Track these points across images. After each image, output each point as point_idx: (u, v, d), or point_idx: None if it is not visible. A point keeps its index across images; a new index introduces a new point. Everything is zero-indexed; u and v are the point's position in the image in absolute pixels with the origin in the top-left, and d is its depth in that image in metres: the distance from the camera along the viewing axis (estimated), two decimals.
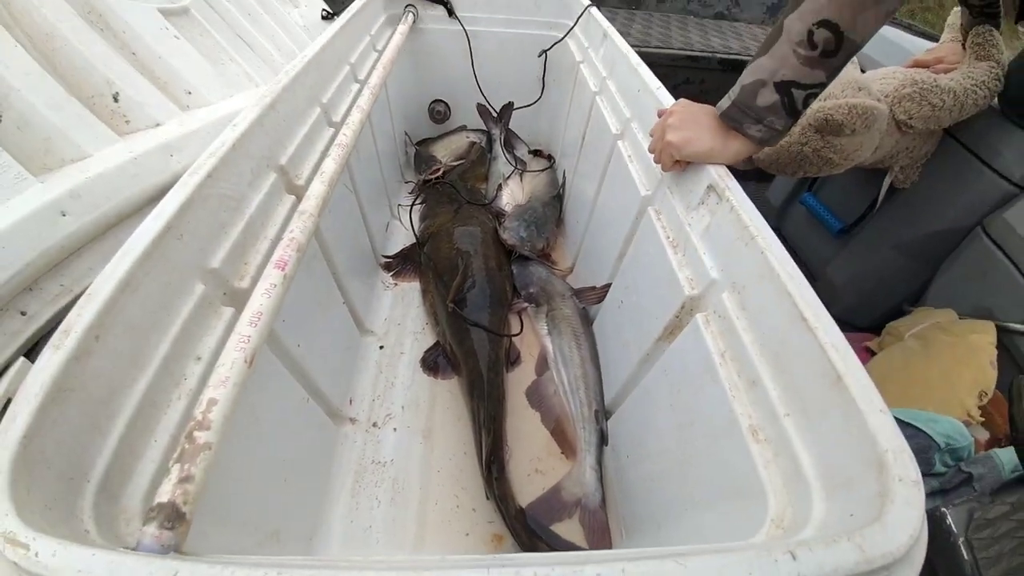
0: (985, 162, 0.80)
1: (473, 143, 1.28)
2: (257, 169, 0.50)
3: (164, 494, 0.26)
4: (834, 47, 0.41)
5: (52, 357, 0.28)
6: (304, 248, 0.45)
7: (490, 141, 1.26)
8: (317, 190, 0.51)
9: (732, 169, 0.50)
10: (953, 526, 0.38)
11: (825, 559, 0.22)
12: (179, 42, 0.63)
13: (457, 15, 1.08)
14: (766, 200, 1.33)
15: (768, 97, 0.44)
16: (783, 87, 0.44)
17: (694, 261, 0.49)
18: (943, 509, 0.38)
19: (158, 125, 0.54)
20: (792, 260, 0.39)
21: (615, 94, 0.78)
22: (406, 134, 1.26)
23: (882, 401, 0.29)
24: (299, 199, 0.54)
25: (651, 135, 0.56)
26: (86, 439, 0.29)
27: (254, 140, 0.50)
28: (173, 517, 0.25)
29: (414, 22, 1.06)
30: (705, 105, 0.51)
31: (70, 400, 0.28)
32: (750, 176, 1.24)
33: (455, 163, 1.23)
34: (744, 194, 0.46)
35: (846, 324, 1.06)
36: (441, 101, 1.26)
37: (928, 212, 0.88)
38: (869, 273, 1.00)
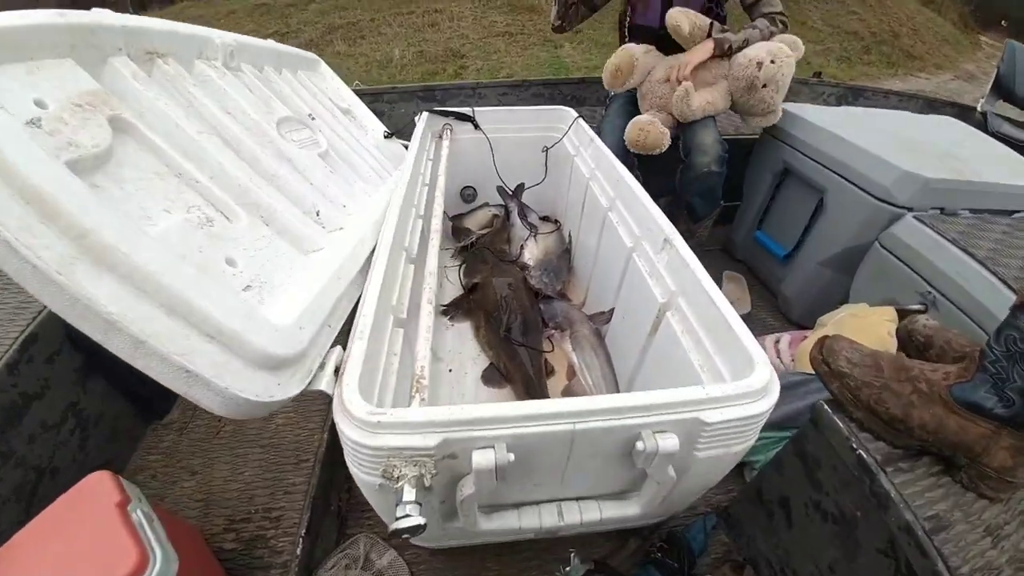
0: (874, 195, 1.14)
1: (495, 215, 1.65)
2: (398, 251, 0.84)
3: (415, 392, 0.56)
4: None
5: (358, 343, 0.59)
6: (432, 299, 0.76)
7: (508, 213, 1.63)
8: (431, 262, 0.84)
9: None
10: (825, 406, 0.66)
11: (723, 389, 0.52)
12: (331, 174, 0.99)
13: (481, 127, 1.48)
14: (731, 239, 1.68)
15: None
16: None
17: (662, 283, 0.82)
18: (820, 401, 0.67)
19: (341, 229, 0.87)
20: (708, 275, 0.71)
21: (603, 181, 1.15)
22: (444, 212, 1.63)
23: (751, 336, 0.60)
24: (416, 267, 0.87)
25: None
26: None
27: (395, 234, 0.83)
28: (420, 400, 0.55)
29: (451, 134, 1.46)
30: None
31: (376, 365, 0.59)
32: (718, 223, 1.59)
33: (483, 231, 1.59)
34: (683, 241, 0.79)
35: (799, 325, 1.37)
36: (470, 186, 1.65)
37: (841, 236, 1.22)
38: (809, 285, 1.33)
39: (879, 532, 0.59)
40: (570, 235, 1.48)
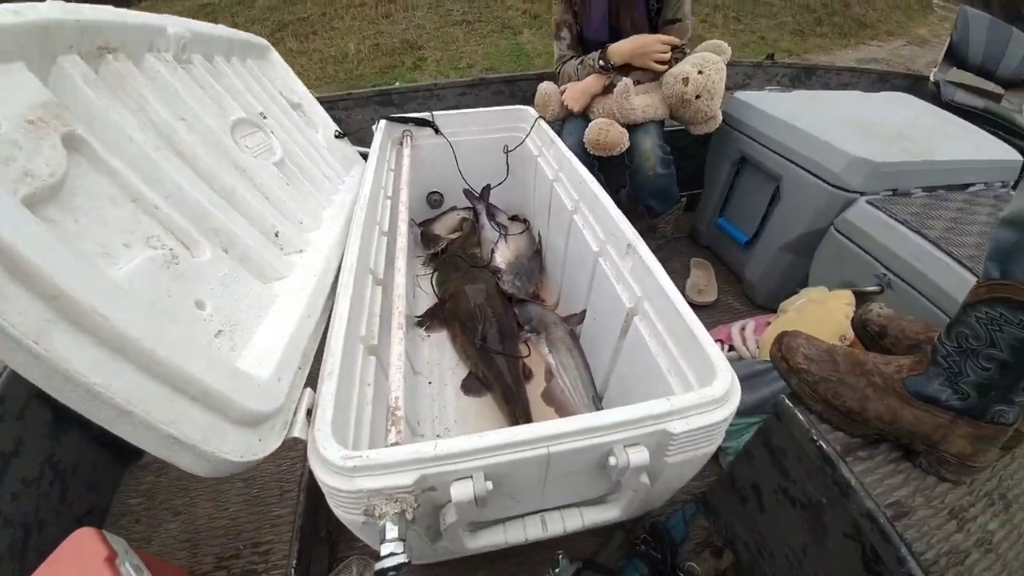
0: (826, 182, 1.19)
1: (464, 219, 1.64)
2: (363, 274, 0.83)
3: (391, 425, 0.57)
4: None
5: (328, 384, 0.58)
6: (403, 323, 0.76)
7: (476, 215, 1.62)
8: (399, 281, 0.83)
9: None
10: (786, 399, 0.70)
11: (685, 400, 0.55)
12: (287, 186, 0.93)
13: (441, 132, 1.46)
14: (695, 227, 1.72)
15: None
16: None
17: (628, 288, 0.84)
18: (781, 395, 0.70)
19: (300, 252, 0.83)
20: (669, 279, 0.73)
21: (567, 183, 1.15)
22: (411, 219, 1.61)
23: (713, 343, 0.62)
24: (384, 288, 0.86)
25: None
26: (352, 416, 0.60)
27: (359, 257, 0.82)
28: (396, 433, 0.56)
29: (412, 140, 1.43)
30: None
31: (348, 401, 0.59)
32: (685, 209, 1.62)
33: (453, 235, 1.58)
34: (646, 247, 0.81)
35: (764, 308, 1.42)
36: (436, 192, 1.63)
37: (798, 222, 1.26)
38: (771, 269, 1.38)
39: (844, 518, 0.63)
40: (539, 234, 1.48)
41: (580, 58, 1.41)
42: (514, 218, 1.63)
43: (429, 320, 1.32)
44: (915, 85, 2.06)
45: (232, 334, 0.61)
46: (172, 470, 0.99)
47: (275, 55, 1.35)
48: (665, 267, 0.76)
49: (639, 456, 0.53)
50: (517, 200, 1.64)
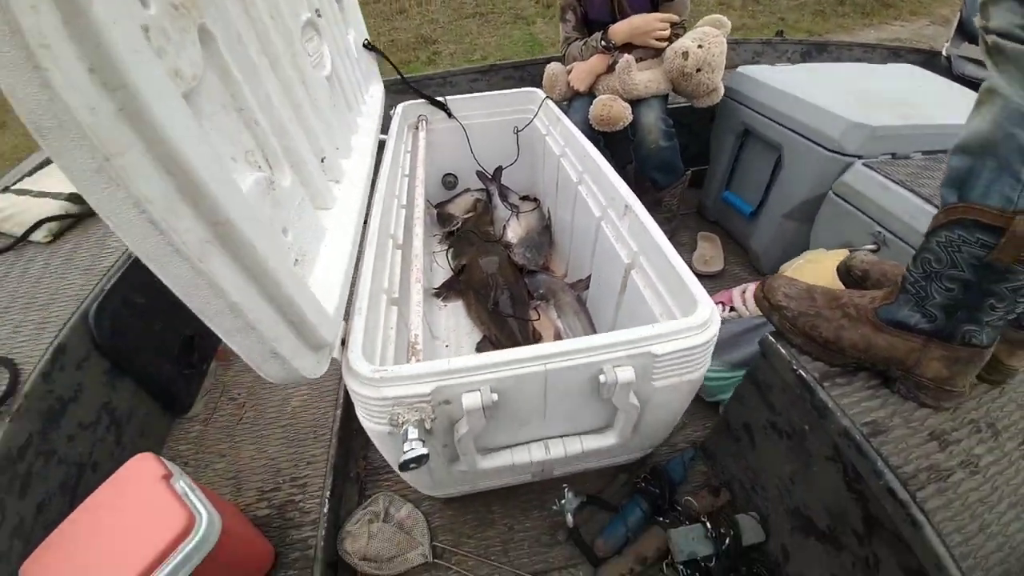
0: (825, 147, 1.22)
1: (478, 199, 1.72)
2: (385, 239, 0.92)
3: (411, 356, 0.66)
4: None
5: (358, 318, 0.68)
6: (420, 278, 0.85)
7: (489, 196, 1.70)
8: (416, 245, 0.92)
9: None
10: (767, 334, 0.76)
11: (667, 325, 0.62)
12: (333, 106, 0.86)
13: (454, 115, 1.54)
14: (703, 202, 1.76)
15: None
16: None
17: (626, 245, 0.91)
18: (766, 333, 0.76)
19: (338, 182, 0.82)
20: (662, 232, 0.80)
21: (572, 157, 1.22)
22: (427, 200, 1.70)
23: (696, 281, 0.69)
24: (403, 252, 0.96)
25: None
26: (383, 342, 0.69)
27: (380, 224, 0.91)
28: (417, 359, 0.65)
29: (427, 125, 1.52)
30: None
31: (374, 336, 0.68)
32: (691, 186, 1.67)
33: (467, 215, 1.67)
34: (642, 206, 0.87)
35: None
36: (450, 174, 1.72)
37: (799, 188, 1.29)
38: (775, 238, 1.41)
39: (825, 441, 0.69)
40: (549, 211, 1.56)
41: (584, 39, 1.47)
42: (525, 198, 1.71)
43: (446, 291, 1.41)
44: (928, 60, 2.03)
45: (303, 263, 0.63)
46: (217, 420, 1.11)
47: None
48: (673, 241, 0.80)
49: (626, 374, 0.61)
50: (528, 180, 1.71)
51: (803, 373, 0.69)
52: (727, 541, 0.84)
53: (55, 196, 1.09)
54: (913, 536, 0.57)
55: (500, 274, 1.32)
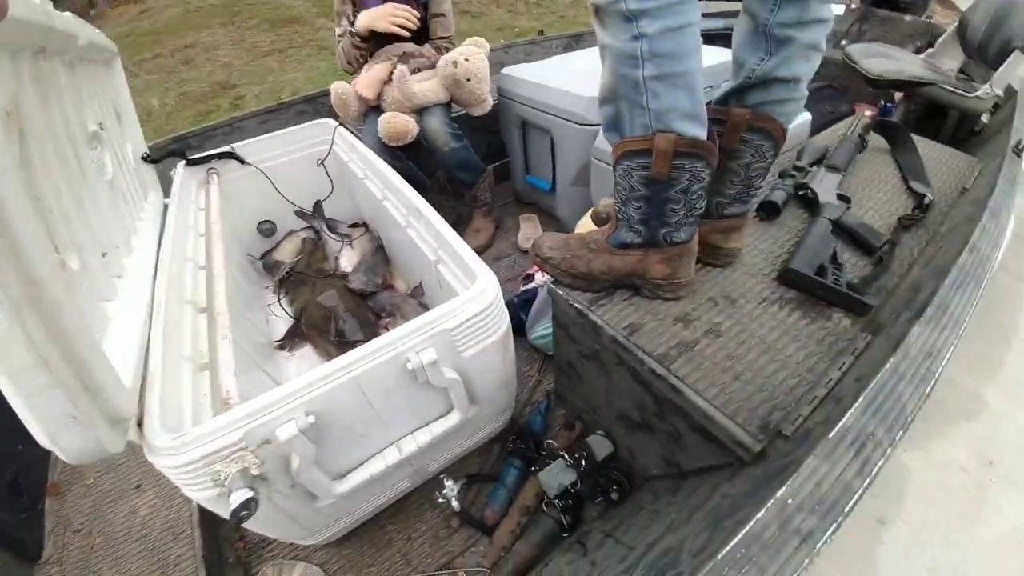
0: (576, 122, 1.46)
1: (304, 239, 1.68)
2: (179, 305, 0.87)
3: (223, 411, 0.65)
4: None
5: (150, 395, 0.65)
6: (228, 335, 0.83)
7: (317, 232, 1.67)
8: (221, 307, 0.89)
9: None
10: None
11: (451, 303, 0.71)
12: (112, 207, 0.92)
13: (247, 161, 1.49)
14: (515, 189, 1.96)
15: None
16: None
17: (428, 244, 1.00)
18: (547, 283, 0.92)
19: (120, 277, 0.83)
20: (445, 222, 0.90)
21: (374, 178, 1.28)
22: (248, 255, 1.61)
23: (476, 257, 0.80)
24: (209, 314, 0.91)
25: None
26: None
27: (169, 289, 0.86)
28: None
29: (218, 177, 1.44)
30: None
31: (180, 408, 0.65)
32: (502, 179, 1.83)
33: (297, 258, 1.62)
34: (428, 205, 0.97)
35: None
36: (266, 221, 1.65)
37: (572, 160, 1.53)
38: (571, 204, 1.65)
39: (608, 352, 0.85)
40: (377, 233, 1.59)
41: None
42: (355, 225, 1.71)
43: (289, 340, 1.36)
44: None
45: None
46: (70, 556, 0.97)
47: (119, 63, 1.30)
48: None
49: (429, 355, 0.69)
50: (351, 207, 1.72)
51: (577, 305, 0.85)
52: (583, 464, 0.98)
53: None
54: (681, 401, 0.73)
55: (340, 304, 1.32)
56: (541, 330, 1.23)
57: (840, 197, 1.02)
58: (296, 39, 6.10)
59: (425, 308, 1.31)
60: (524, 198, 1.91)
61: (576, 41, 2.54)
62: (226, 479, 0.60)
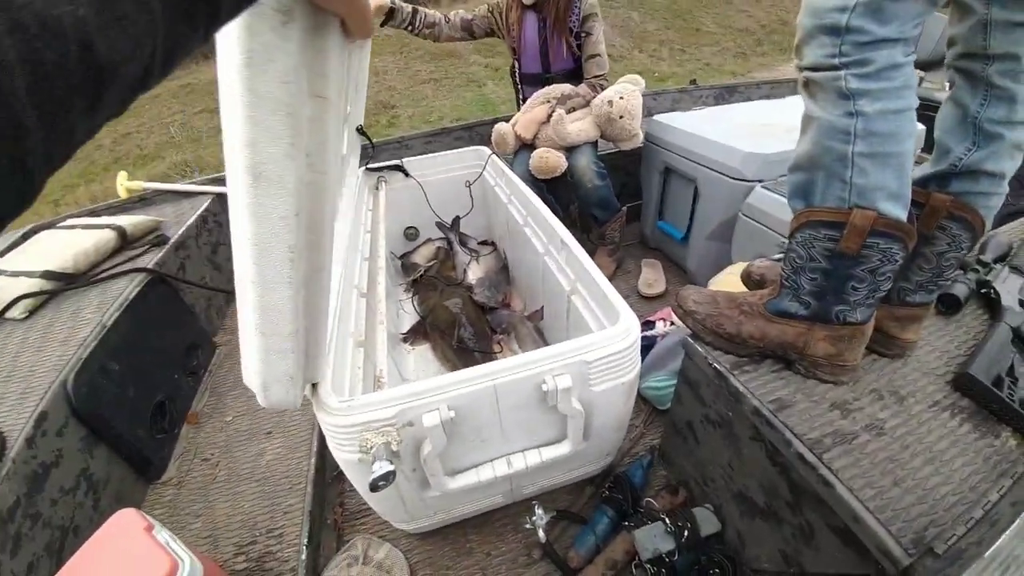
0: (730, 176, 1.41)
1: (439, 247, 1.85)
2: (348, 288, 1.01)
3: (376, 388, 0.73)
4: None
5: (326, 361, 0.75)
6: (383, 320, 0.94)
7: (450, 243, 1.83)
8: (380, 293, 1.02)
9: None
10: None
11: (595, 336, 0.73)
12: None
13: (411, 175, 1.69)
14: (643, 232, 1.95)
15: None
16: None
17: (565, 275, 1.03)
18: (686, 337, 0.88)
19: None
20: (591, 259, 0.93)
21: (517, 204, 1.37)
22: (391, 253, 1.82)
23: (619, 296, 0.81)
24: (368, 299, 1.05)
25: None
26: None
27: (344, 275, 1.01)
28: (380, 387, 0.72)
29: (386, 185, 1.66)
30: None
31: (342, 375, 0.76)
32: (631, 220, 1.85)
33: (430, 263, 1.78)
34: (574, 240, 1.01)
35: None
36: (411, 227, 1.85)
37: (714, 214, 1.48)
38: (704, 257, 1.59)
39: (745, 423, 0.79)
40: (504, 253, 1.69)
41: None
42: (483, 242, 1.84)
43: (412, 335, 1.49)
44: None
45: None
46: (190, 482, 1.13)
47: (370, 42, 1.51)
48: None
49: (565, 381, 0.71)
50: (484, 226, 1.86)
51: (717, 365, 0.80)
52: (685, 534, 0.91)
53: (29, 274, 1.14)
54: (829, 495, 0.65)
55: (463, 313, 1.42)
56: (654, 380, 1.18)
57: (1022, 303, 0.86)
58: (451, 71, 6.86)
59: (539, 332, 1.35)
60: (651, 243, 1.89)
61: (729, 93, 2.49)
62: (371, 448, 0.66)
